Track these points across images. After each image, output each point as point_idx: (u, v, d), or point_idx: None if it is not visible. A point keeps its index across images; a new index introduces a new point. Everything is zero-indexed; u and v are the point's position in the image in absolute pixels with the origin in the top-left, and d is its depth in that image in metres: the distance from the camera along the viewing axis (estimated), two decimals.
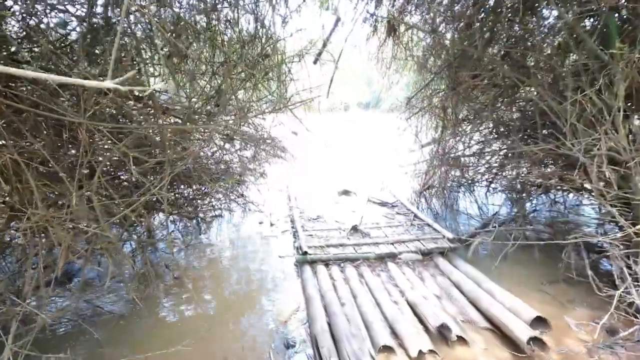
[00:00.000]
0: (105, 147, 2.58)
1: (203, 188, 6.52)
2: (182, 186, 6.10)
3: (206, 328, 3.55)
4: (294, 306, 3.87)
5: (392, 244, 5.25)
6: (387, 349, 3.07)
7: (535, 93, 4.54)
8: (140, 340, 3.35)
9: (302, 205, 7.44)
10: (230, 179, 5.30)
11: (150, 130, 2.43)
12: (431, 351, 3.00)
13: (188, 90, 3.45)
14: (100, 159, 2.50)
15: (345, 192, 8.25)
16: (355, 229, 5.79)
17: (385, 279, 4.41)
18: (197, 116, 3.21)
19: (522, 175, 5.40)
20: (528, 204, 5.77)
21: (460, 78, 5.13)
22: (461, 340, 3.19)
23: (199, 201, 6.87)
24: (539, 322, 3.29)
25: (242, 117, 3.64)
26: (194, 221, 6.86)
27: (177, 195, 6.27)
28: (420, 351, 2.96)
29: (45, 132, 2.47)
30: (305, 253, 4.82)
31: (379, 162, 12.45)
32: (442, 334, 3.29)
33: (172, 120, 3.51)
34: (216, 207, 7.42)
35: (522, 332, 3.07)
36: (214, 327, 3.57)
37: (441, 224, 5.99)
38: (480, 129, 6.22)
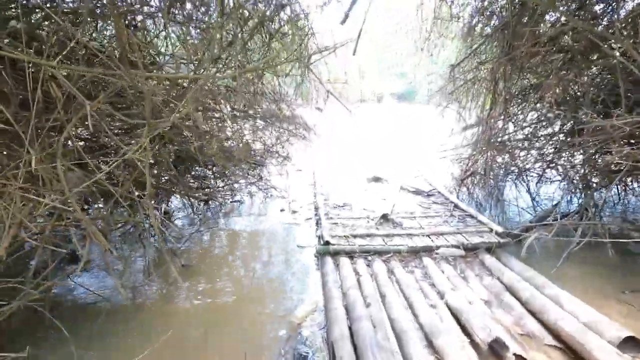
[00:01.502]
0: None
1: (219, 171, 6.12)
2: (197, 168, 5.70)
3: (212, 321, 3.07)
4: (311, 306, 3.29)
5: (429, 236, 4.53)
6: None
7: (618, 55, 3.61)
8: (147, 330, 2.92)
9: (327, 191, 6.83)
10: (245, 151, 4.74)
11: (137, 82, 1.91)
12: None
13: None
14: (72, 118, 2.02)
15: (376, 179, 7.55)
16: (385, 217, 5.11)
17: (419, 276, 3.73)
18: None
19: (592, 157, 4.46)
20: (596, 195, 4.80)
21: (517, 41, 4.26)
22: None
23: (217, 185, 6.47)
24: (628, 343, 2.50)
25: (247, 69, 3.03)
26: (212, 206, 6.48)
27: (192, 176, 5.88)
28: None
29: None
30: (328, 243, 4.22)
31: (412, 148, 11.58)
32: (494, 351, 2.58)
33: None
34: (236, 192, 7.01)
35: (608, 356, 2.31)
36: (219, 322, 3.09)
37: (485, 216, 5.17)
38: (536, 106, 5.29)
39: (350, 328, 2.79)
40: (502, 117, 5.51)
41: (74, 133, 2.24)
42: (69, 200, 1.87)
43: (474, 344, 2.64)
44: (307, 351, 2.72)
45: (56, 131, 2.32)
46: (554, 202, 5.37)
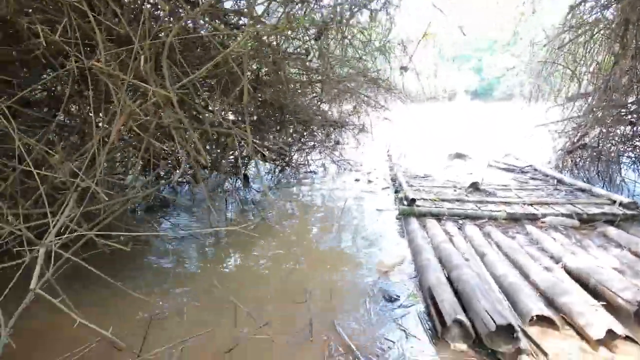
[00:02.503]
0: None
1: (296, 139, 6.10)
2: (275, 134, 5.72)
3: (289, 271, 2.98)
4: (398, 258, 3.02)
5: (531, 205, 3.96)
6: (541, 321, 2.03)
7: None
8: (229, 274, 2.95)
9: (405, 164, 6.46)
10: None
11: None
12: (628, 338, 1.84)
13: None
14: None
15: (459, 156, 6.95)
16: (476, 187, 4.61)
17: (524, 242, 3.23)
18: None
19: None
20: None
21: None
22: None
23: (293, 153, 6.48)
24: None
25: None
26: (287, 173, 6.52)
27: (271, 142, 5.94)
28: (610, 331, 1.84)
29: None
30: (413, 201, 3.90)
31: (496, 130, 10.54)
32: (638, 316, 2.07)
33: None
34: (310, 163, 6.98)
35: None
36: (300, 272, 2.98)
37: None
38: None
39: (448, 277, 2.48)
40: (628, 77, 4.62)
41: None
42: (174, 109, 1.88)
43: (609, 307, 2.14)
44: (398, 294, 2.47)
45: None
46: None
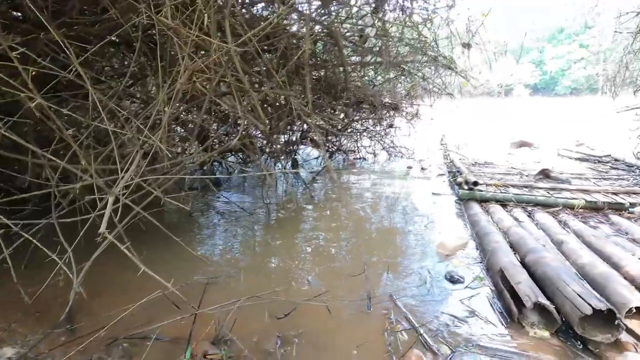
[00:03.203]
0: None
1: (345, 125, 5.95)
2: (328, 114, 5.62)
3: (344, 247, 2.88)
4: (460, 241, 2.79)
5: (615, 194, 3.49)
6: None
7: None
8: (283, 246, 2.91)
9: (463, 152, 6.06)
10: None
11: None
12: None
13: None
14: None
15: (524, 144, 6.39)
16: (545, 174, 4.17)
17: (610, 231, 2.84)
18: None
19: None
20: None
21: None
22: None
23: (343, 138, 6.34)
24: None
25: None
26: (335, 157, 6.41)
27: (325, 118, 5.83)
28: None
29: None
30: (476, 184, 3.61)
31: (565, 119, 9.58)
32: None
33: None
34: (359, 149, 6.81)
35: None
36: (355, 249, 2.86)
37: None
38: None
39: (521, 261, 2.22)
40: None
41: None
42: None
43: None
44: (462, 276, 2.26)
45: None
46: None
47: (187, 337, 1.64)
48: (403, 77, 5.63)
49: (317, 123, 4.88)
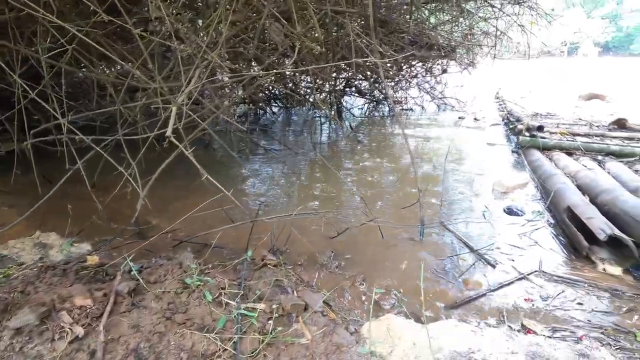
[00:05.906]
0: None
1: (392, 74, 5.63)
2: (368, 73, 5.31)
3: (395, 182, 2.82)
4: (521, 180, 2.64)
5: None
6: None
7: None
8: (331, 180, 2.92)
9: (523, 103, 5.59)
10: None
11: None
12: None
13: None
14: None
15: (594, 96, 5.76)
16: (621, 124, 3.76)
17: None
18: None
19: None
20: None
21: None
22: None
23: (389, 88, 6.05)
24: None
25: None
26: (380, 108, 6.19)
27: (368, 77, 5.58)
28: None
29: None
30: (540, 128, 3.34)
31: None
32: None
33: None
34: (407, 100, 6.50)
35: None
36: (407, 184, 2.79)
37: None
38: None
39: (591, 201, 2.05)
40: None
41: None
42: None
43: None
44: (522, 209, 2.15)
45: None
46: None
47: (244, 248, 1.71)
48: (461, 19, 5.14)
49: (375, 58, 4.68)
